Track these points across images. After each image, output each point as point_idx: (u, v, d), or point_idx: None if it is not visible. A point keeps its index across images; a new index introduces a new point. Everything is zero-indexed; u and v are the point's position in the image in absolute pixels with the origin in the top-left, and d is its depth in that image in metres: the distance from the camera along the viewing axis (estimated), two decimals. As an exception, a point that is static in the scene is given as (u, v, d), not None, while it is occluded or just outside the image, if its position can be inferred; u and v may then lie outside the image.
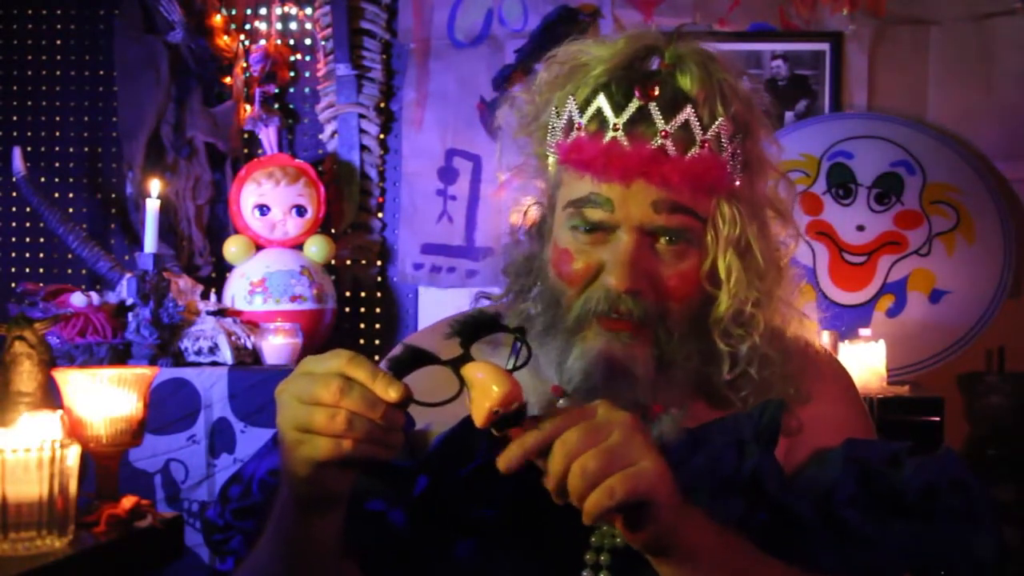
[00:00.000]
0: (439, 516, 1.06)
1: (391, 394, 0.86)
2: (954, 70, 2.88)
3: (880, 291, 2.75)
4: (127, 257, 3.01)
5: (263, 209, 2.89)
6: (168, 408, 2.46)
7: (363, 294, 3.16)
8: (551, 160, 1.11)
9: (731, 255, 1.06)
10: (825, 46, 2.92)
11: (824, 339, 2.37)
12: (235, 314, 2.73)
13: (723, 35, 2.90)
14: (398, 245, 3.12)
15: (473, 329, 0.90)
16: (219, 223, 3.08)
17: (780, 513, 1.02)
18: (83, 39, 3.21)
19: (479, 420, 0.86)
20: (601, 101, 1.04)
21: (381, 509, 1.07)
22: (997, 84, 2.87)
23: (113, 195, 3.15)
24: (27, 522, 1.21)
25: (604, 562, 1.01)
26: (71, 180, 3.20)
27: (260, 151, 3.12)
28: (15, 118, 3.21)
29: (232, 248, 2.90)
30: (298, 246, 2.93)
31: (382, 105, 3.13)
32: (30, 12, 3.22)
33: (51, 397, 1.47)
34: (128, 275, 2.64)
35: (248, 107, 3.11)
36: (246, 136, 3.16)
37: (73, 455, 1.25)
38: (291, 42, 3.17)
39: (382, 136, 3.14)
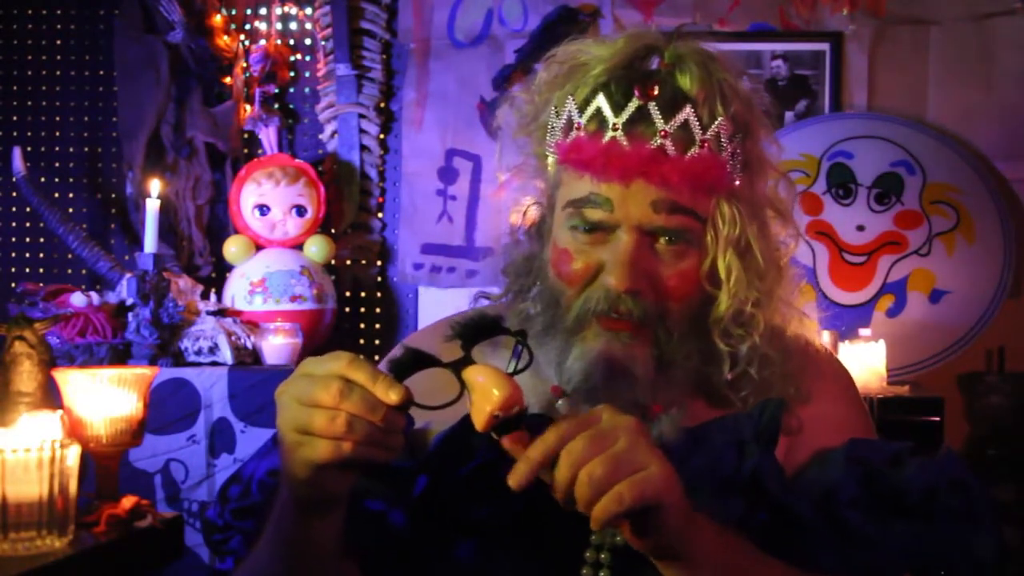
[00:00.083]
0: (439, 516, 1.06)
1: (391, 397, 0.85)
2: (954, 70, 2.88)
3: (880, 291, 2.75)
4: (127, 257, 3.01)
5: (263, 209, 2.89)
6: (168, 408, 2.46)
7: (363, 294, 3.15)
8: (551, 160, 1.11)
9: (731, 255, 1.06)
10: (825, 46, 2.92)
11: (824, 339, 2.37)
12: (235, 314, 2.73)
13: (723, 35, 2.89)
14: (398, 245, 3.12)
15: (474, 331, 0.90)
16: (219, 223, 3.08)
17: (780, 513, 1.02)
18: (83, 39, 3.20)
19: (479, 424, 0.86)
20: (600, 101, 1.04)
21: (381, 509, 1.07)
22: (997, 84, 2.86)
23: (113, 195, 3.15)
24: (27, 522, 1.21)
25: (604, 560, 1.01)
26: (71, 180, 3.20)
27: (260, 151, 3.11)
28: (15, 118, 3.21)
29: (232, 248, 2.90)
30: (298, 246, 2.93)
31: (382, 105, 3.13)
32: (30, 12, 3.21)
33: (51, 397, 1.47)
34: (128, 275, 2.63)
35: (248, 107, 3.11)
36: (246, 136, 3.16)
37: (73, 455, 1.25)
38: (291, 42, 3.17)
39: (382, 136, 3.14)
